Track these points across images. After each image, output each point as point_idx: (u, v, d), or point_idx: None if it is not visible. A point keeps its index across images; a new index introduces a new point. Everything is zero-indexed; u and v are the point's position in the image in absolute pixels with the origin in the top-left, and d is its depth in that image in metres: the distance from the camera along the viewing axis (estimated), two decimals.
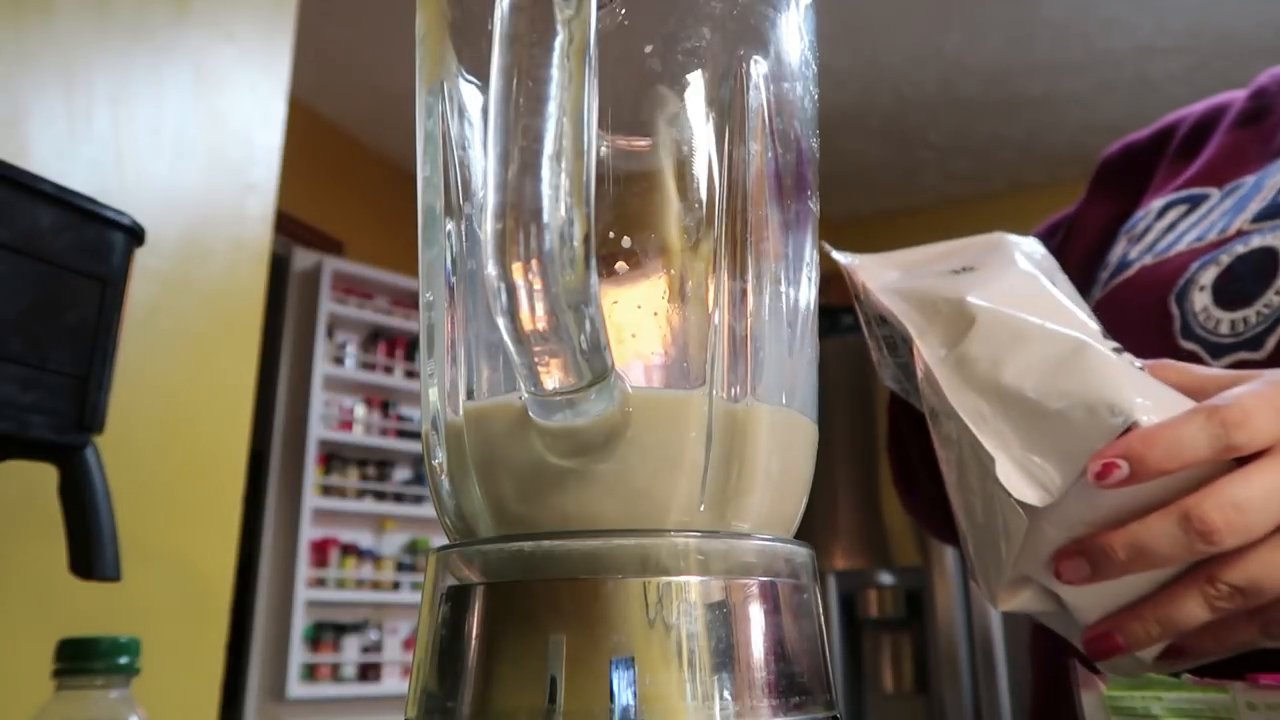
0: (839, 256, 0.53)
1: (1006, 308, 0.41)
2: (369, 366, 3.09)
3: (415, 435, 3.09)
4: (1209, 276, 0.51)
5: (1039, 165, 3.36)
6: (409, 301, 3.18)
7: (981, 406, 0.38)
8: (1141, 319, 0.53)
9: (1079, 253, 0.64)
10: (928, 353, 0.42)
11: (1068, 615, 0.39)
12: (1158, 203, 0.59)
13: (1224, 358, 0.48)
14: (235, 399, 0.93)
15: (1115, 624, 0.36)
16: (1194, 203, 0.57)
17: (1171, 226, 0.57)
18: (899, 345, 0.49)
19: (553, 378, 0.23)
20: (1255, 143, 0.58)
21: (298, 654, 2.70)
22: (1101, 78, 2.91)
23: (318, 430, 2.86)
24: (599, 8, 0.23)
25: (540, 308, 0.22)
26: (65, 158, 0.77)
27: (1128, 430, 0.34)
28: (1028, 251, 0.48)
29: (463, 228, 0.29)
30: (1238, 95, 0.63)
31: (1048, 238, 0.68)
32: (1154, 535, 0.34)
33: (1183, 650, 0.37)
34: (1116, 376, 0.37)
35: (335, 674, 2.82)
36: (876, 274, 0.50)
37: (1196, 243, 0.54)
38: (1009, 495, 0.35)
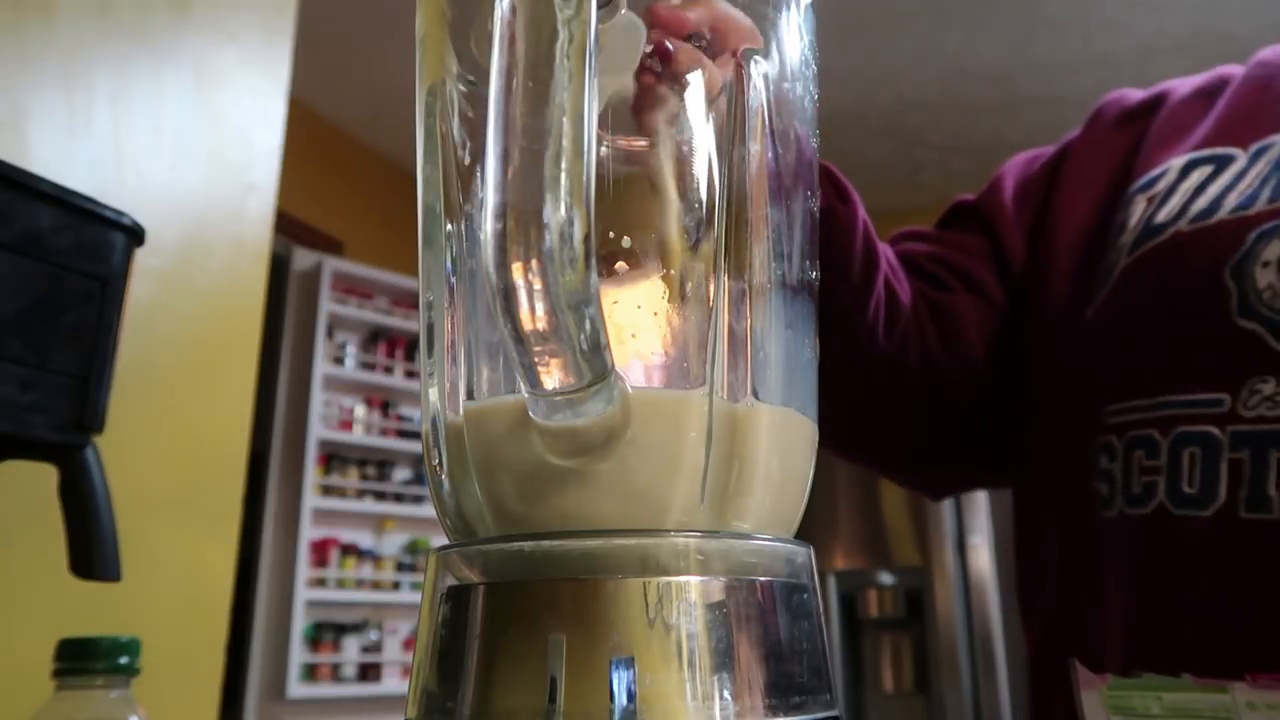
0: None
1: None
2: (369, 366, 3.09)
3: (415, 435, 3.09)
4: (1275, 251, 0.48)
5: None
6: (409, 301, 3.18)
7: None
8: (1185, 291, 0.50)
9: (1081, 204, 0.60)
10: None
11: None
12: (1177, 161, 0.56)
13: None
14: (235, 399, 0.93)
15: None
16: (1219, 163, 0.54)
17: (1200, 189, 0.53)
18: None
19: (553, 378, 0.23)
20: (1275, 105, 0.55)
21: (298, 654, 2.70)
22: (1101, 78, 2.91)
23: (318, 430, 2.86)
24: (599, 8, 0.23)
25: (540, 308, 0.22)
26: (65, 158, 0.77)
27: None
28: None
29: (463, 228, 0.29)
30: (1236, 68, 0.61)
31: (1027, 165, 0.66)
32: None
33: None
34: None
35: (335, 674, 2.82)
36: None
37: (1242, 210, 0.50)
38: None
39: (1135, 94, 0.65)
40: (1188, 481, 0.48)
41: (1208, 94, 0.60)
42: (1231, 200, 0.52)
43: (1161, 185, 0.56)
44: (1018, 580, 0.62)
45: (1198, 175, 0.54)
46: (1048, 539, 0.58)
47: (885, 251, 0.57)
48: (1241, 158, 0.54)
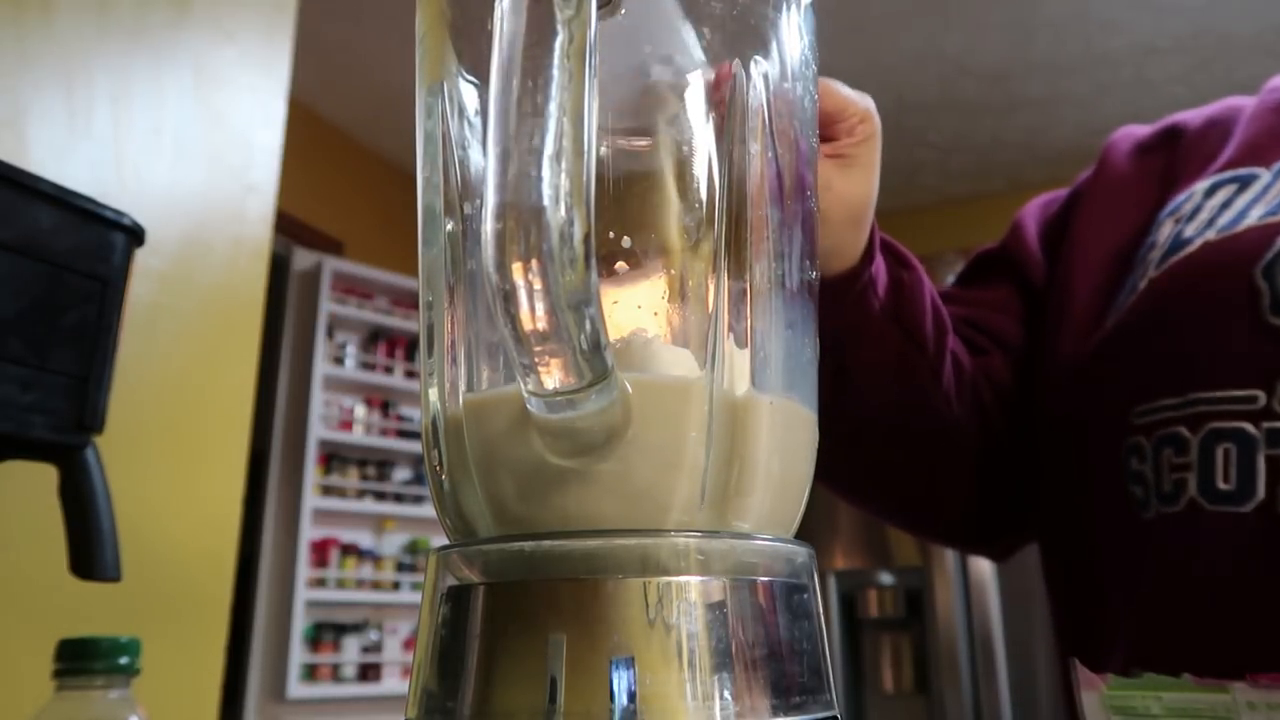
0: None
1: None
2: (369, 366, 3.09)
3: (415, 435, 3.09)
4: None
5: (1039, 165, 3.36)
6: (409, 301, 3.18)
7: None
8: (1217, 295, 0.51)
9: (1108, 230, 0.61)
10: None
11: None
12: (1201, 184, 0.57)
13: None
14: (235, 399, 0.93)
15: None
16: (1244, 182, 0.55)
17: (1227, 204, 0.54)
18: None
19: (553, 378, 0.23)
20: None
21: (298, 654, 2.70)
22: (1101, 78, 2.91)
23: (318, 430, 2.86)
24: (599, 8, 0.23)
25: (540, 307, 0.22)
26: (65, 158, 0.77)
27: None
28: None
29: (463, 228, 0.29)
30: (1245, 98, 0.61)
31: (1045, 207, 0.67)
32: None
33: None
34: None
35: (335, 674, 2.82)
36: None
37: (1270, 217, 0.51)
38: None
39: (1143, 128, 0.65)
40: (1223, 478, 0.48)
41: (1222, 123, 0.61)
42: (1258, 210, 0.52)
43: (1187, 206, 0.56)
44: (1058, 612, 0.61)
45: (1223, 194, 0.55)
46: (1096, 557, 0.57)
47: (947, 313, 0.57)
48: (1266, 175, 0.54)
